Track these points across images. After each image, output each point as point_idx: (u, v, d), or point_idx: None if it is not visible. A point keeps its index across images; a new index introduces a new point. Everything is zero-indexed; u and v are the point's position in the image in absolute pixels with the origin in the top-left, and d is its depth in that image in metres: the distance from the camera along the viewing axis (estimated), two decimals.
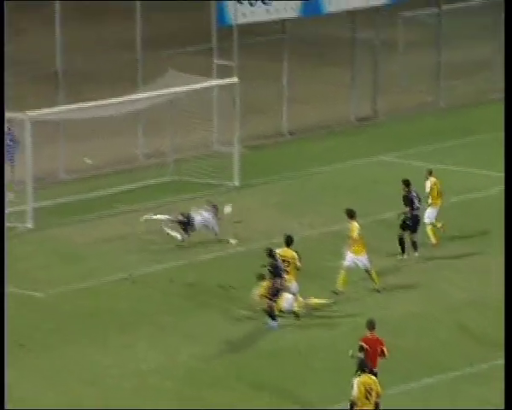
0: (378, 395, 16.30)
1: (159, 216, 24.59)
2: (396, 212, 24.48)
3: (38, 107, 26.78)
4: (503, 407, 15.87)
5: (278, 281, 20.67)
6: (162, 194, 27.06)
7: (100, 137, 29.03)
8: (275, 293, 20.67)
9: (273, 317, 20.59)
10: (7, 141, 26.92)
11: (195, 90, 28.12)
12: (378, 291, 21.82)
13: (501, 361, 17.28)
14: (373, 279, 22.02)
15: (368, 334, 17.37)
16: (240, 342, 20.25)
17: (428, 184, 24.46)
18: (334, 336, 20.12)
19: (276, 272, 20.70)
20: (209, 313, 21.33)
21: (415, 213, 23.45)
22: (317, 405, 18.02)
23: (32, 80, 31.00)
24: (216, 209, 24.62)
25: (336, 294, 21.76)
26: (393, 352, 19.15)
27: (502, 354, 16.92)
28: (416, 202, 23.50)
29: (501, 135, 24.41)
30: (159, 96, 27.84)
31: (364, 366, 16.59)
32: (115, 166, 29.37)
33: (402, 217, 23.40)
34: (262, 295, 20.78)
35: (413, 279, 22.78)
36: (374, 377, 16.53)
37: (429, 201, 24.10)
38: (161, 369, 19.19)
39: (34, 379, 19.22)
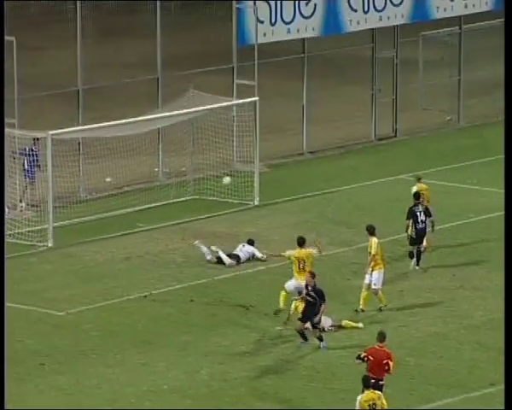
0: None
1: (205, 249, 24.41)
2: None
3: (59, 125, 27.28)
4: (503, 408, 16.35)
5: (322, 306, 20.73)
6: (182, 213, 27.39)
7: (120, 156, 29.33)
8: (318, 319, 20.68)
9: (321, 339, 20.62)
10: (30, 159, 27.35)
11: (216, 110, 28.86)
12: (381, 310, 21.83)
13: None
14: (379, 298, 22.03)
15: (376, 345, 17.66)
16: (260, 362, 20.34)
17: (414, 190, 24.93)
18: (352, 356, 20.31)
19: (319, 296, 20.77)
20: (229, 331, 21.55)
21: (419, 226, 23.70)
22: None
23: (53, 99, 31.33)
24: (253, 242, 25.11)
25: (357, 311, 22.02)
26: (415, 372, 19.56)
27: None
28: (420, 215, 23.75)
29: None
30: (179, 115, 28.42)
31: (368, 383, 16.76)
32: (135, 186, 29.71)
33: (409, 235, 23.75)
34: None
35: (433, 299, 22.95)
36: (378, 392, 16.72)
37: None
38: (181, 388, 19.32)
39: (53, 397, 19.37)
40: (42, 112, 30.02)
